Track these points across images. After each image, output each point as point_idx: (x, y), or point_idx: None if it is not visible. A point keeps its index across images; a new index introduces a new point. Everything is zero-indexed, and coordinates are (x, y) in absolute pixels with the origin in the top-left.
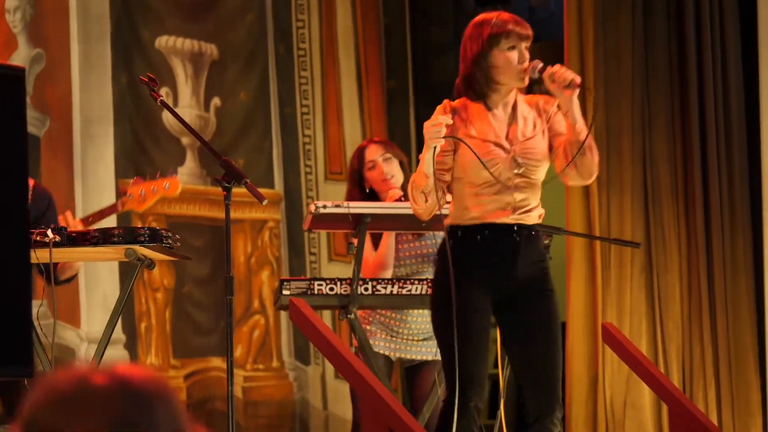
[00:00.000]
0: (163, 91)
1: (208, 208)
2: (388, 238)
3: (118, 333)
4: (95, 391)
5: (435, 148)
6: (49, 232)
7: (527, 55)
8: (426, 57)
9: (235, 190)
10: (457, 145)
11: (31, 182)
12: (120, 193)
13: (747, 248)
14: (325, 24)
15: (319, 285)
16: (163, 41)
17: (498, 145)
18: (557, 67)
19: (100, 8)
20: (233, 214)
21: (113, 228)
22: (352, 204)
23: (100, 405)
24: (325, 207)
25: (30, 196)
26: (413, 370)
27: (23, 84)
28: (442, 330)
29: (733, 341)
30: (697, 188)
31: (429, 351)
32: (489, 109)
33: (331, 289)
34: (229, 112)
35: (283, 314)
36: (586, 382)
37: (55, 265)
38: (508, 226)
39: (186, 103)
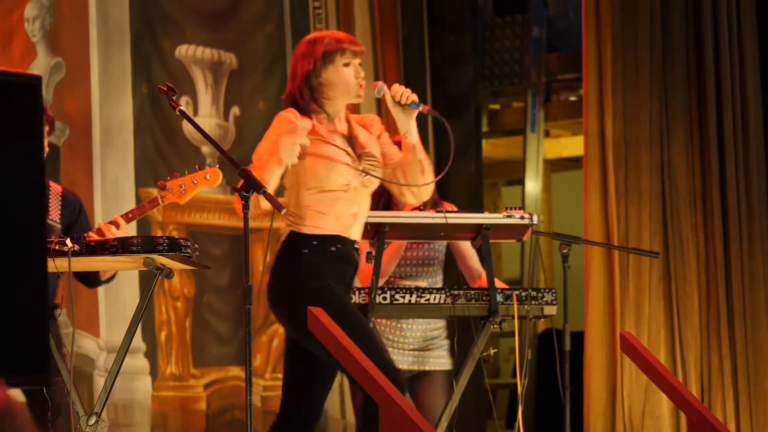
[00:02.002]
0: (183, 100)
1: (227, 218)
2: (393, 249)
3: (139, 342)
4: None
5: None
6: (68, 241)
7: (362, 72)
8: (444, 66)
9: None
10: (304, 150)
11: (59, 188)
12: (159, 187)
13: (765, 258)
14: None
15: None
16: (183, 50)
17: (344, 151)
18: (399, 86)
19: (120, 18)
20: (252, 224)
21: (132, 237)
22: (371, 213)
23: None
24: None
25: (60, 204)
26: (411, 381)
27: (40, 92)
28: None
29: (751, 351)
30: (716, 198)
31: (426, 361)
32: (329, 121)
33: (350, 298)
34: (249, 121)
35: None
36: (605, 391)
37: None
38: (352, 241)
39: (206, 112)
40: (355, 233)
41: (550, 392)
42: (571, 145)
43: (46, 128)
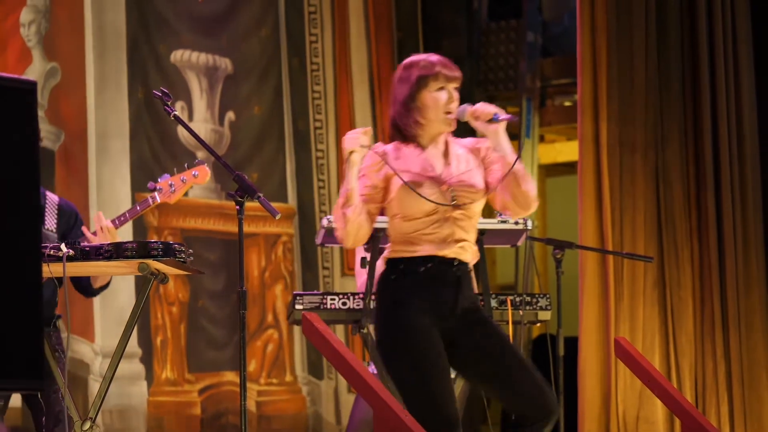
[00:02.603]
0: (179, 105)
1: (222, 223)
2: None
3: (135, 347)
4: None
5: (353, 154)
6: (62, 246)
7: (456, 96)
8: None
9: (249, 204)
10: (391, 182)
11: (56, 198)
12: (149, 189)
13: (759, 263)
14: (338, 38)
15: (331, 299)
16: (179, 55)
17: (432, 178)
18: (479, 104)
19: (116, 22)
20: (247, 229)
21: (127, 242)
22: None
23: None
24: None
25: (56, 214)
26: None
27: (35, 98)
28: (407, 370)
29: (745, 356)
30: (710, 203)
31: None
32: (421, 148)
33: (344, 303)
34: (243, 126)
35: (297, 328)
36: (599, 397)
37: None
38: (449, 260)
39: (201, 117)
40: (453, 254)
41: None
42: (566, 150)
43: None
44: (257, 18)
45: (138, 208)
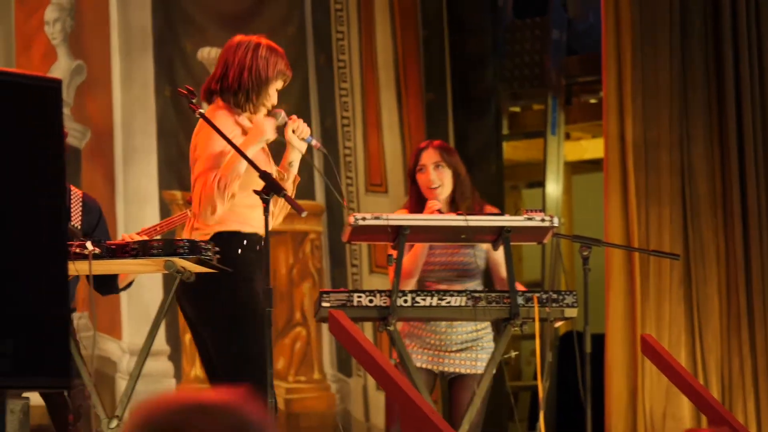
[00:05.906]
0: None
1: None
2: (417, 249)
3: (163, 345)
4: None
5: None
6: (88, 244)
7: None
8: (464, 69)
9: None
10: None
11: (80, 193)
12: (188, 201)
13: None
14: (365, 36)
15: (358, 297)
16: (205, 52)
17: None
18: (297, 119)
19: (142, 20)
20: (275, 226)
21: (153, 240)
22: (391, 216)
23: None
24: (364, 219)
25: (81, 209)
26: (451, 383)
27: (60, 96)
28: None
29: None
30: (736, 200)
31: (463, 363)
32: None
33: (371, 300)
34: None
35: (325, 326)
36: (626, 394)
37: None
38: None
39: None
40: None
41: (572, 394)
42: (592, 148)
43: None
44: (283, 15)
45: (176, 220)
